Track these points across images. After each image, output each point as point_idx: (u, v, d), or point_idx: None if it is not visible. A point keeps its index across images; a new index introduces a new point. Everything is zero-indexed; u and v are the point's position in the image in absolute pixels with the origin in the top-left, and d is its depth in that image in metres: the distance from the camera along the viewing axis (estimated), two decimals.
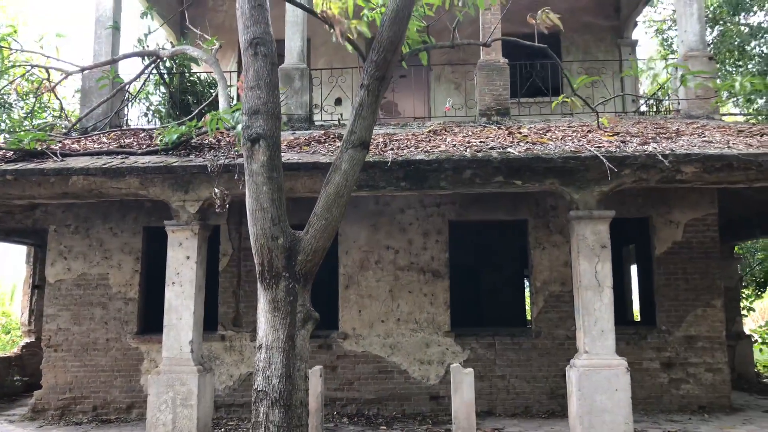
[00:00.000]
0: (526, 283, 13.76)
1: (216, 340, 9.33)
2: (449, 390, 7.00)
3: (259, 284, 4.18)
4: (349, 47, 4.75)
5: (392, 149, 7.36)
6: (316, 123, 10.39)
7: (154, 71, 10.29)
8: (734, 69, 11.12)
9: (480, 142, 7.68)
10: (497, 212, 9.70)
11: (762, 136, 7.81)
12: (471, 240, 13.18)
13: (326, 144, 7.88)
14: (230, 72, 12.22)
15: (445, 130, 8.96)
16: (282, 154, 7.23)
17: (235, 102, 8.16)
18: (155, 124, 10.73)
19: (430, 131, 8.97)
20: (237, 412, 9.15)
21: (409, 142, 7.93)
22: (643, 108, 15.73)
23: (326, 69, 10.95)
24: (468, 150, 7.17)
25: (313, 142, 8.01)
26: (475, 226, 11.34)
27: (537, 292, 9.48)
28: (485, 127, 9.43)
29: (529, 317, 12.35)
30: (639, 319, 13.61)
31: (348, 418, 8.64)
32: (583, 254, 7.05)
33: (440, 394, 8.99)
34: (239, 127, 5.44)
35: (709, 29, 15.35)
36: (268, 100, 4.28)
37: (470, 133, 8.53)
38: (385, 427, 7.95)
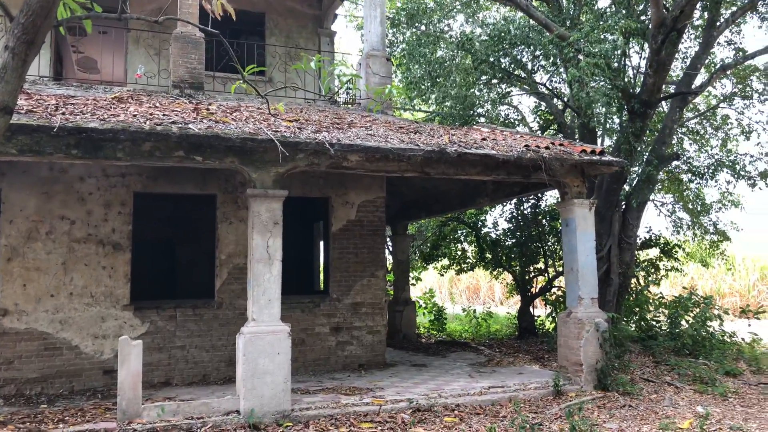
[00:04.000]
0: None
1: None
2: None
3: None
4: None
5: (63, 113, 6.92)
6: None
7: None
8: (408, 70, 12.84)
9: (164, 115, 7.64)
10: (187, 186, 9.76)
11: (416, 133, 9.20)
12: (167, 212, 12.98)
13: None
14: None
15: (132, 99, 8.70)
16: None
17: None
18: None
19: (115, 98, 8.62)
20: None
21: (86, 108, 7.52)
22: (342, 97, 17.09)
23: None
24: (148, 122, 7.10)
25: None
26: (170, 198, 11.19)
27: (222, 264, 9.83)
28: (176, 99, 9.38)
29: None
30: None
31: (4, 399, 7.96)
32: (257, 230, 7.55)
33: (114, 368, 8.76)
34: None
35: (399, 33, 17.24)
36: None
37: (157, 105, 8.42)
38: (46, 405, 7.54)
